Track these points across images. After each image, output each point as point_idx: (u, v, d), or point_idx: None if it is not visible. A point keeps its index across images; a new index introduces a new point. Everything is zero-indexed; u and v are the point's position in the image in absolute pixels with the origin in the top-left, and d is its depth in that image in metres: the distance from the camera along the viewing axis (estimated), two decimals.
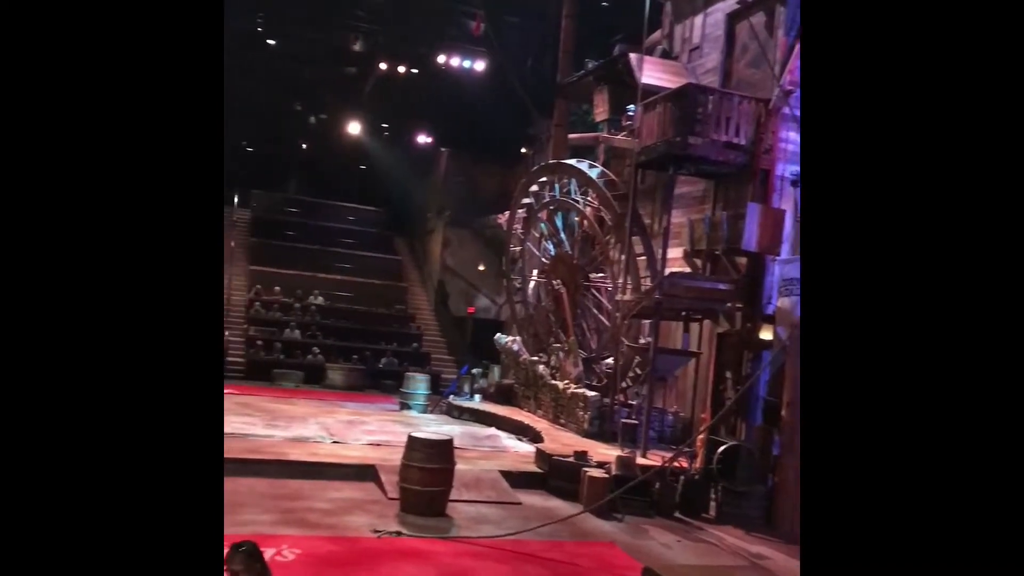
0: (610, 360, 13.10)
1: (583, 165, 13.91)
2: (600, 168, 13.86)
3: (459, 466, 8.75)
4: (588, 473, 9.24)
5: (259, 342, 19.95)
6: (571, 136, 16.37)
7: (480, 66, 20.66)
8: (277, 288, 22.01)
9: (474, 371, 17.47)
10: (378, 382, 19.55)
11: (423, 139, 24.71)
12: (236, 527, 7.26)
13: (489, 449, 11.84)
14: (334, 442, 11.25)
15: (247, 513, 7.79)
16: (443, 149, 24.69)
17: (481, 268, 23.00)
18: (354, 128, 23.85)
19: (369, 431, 12.43)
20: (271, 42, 19.69)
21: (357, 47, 19.72)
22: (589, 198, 13.85)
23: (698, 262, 12.09)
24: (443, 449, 8.39)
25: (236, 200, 24.87)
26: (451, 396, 16.43)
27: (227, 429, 11.32)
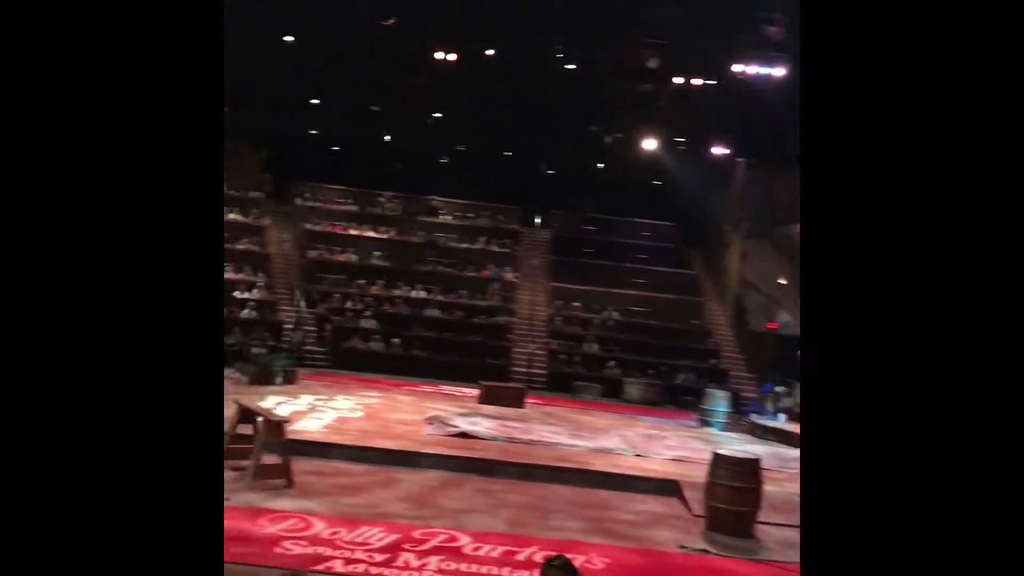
0: None
1: None
2: None
3: (766, 487, 8.38)
4: None
5: (560, 355, 20.75)
6: None
7: (779, 72, 19.77)
8: (576, 303, 22.78)
9: (777, 389, 16.67)
10: (675, 398, 19.40)
11: (719, 150, 24.20)
12: (547, 531, 7.60)
13: (798, 471, 11.21)
14: (636, 455, 11.35)
15: (556, 519, 8.11)
16: (740, 160, 23.99)
17: (782, 281, 21.92)
18: (649, 144, 24.02)
19: (669, 446, 12.38)
20: (570, 67, 20.55)
21: (652, 64, 19.92)
22: None
23: None
24: (750, 468, 8.10)
25: (538, 221, 26.19)
26: (753, 415, 15.83)
27: (535, 437, 11.92)
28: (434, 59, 19.76)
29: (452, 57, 19.75)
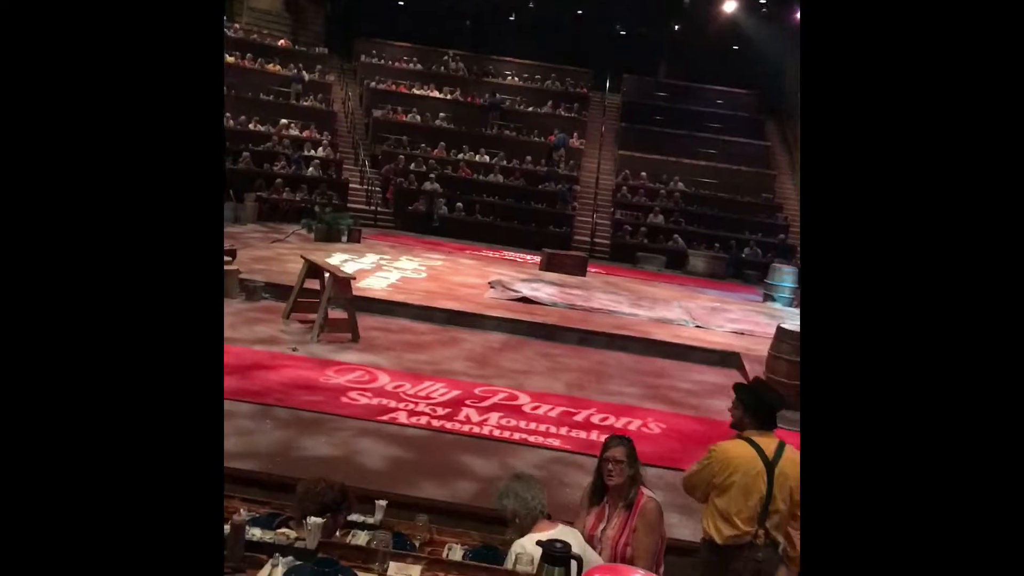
0: None
1: None
2: None
3: None
4: None
5: (625, 225, 20.52)
6: None
7: None
8: (643, 173, 22.28)
9: None
10: (740, 272, 19.16)
11: None
12: (606, 396, 7.71)
13: None
14: (696, 326, 11.32)
15: (614, 384, 8.20)
16: None
17: None
18: (729, 6, 22.67)
19: (732, 319, 12.30)
20: None
21: None
22: None
23: None
24: None
25: (608, 85, 25.28)
26: None
27: (595, 305, 11.93)
28: None
29: None
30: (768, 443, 3.35)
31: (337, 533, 2.94)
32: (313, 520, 2.71)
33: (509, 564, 2.82)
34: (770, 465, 3.28)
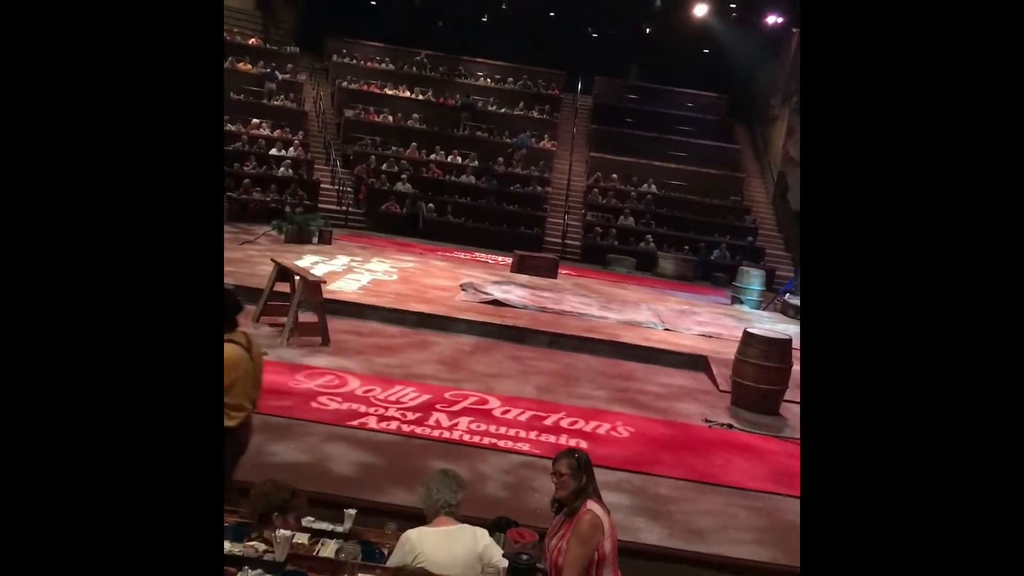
0: None
1: None
2: None
3: (796, 367, 8.44)
4: None
5: (596, 227, 20.63)
6: None
7: None
8: (614, 175, 22.41)
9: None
10: (709, 274, 19.34)
11: (773, 19, 22.97)
12: (575, 399, 7.77)
13: None
14: (665, 329, 11.43)
15: (583, 387, 8.27)
16: (795, 29, 22.79)
17: None
18: (700, 10, 22.87)
19: (700, 322, 12.43)
20: None
21: None
22: None
23: None
24: (781, 348, 8.13)
25: (579, 87, 25.38)
26: (787, 294, 15.75)
27: (566, 308, 12.01)
28: None
29: None
30: (240, 337, 4.12)
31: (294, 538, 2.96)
32: (282, 533, 2.73)
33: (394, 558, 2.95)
34: (249, 351, 4.10)
